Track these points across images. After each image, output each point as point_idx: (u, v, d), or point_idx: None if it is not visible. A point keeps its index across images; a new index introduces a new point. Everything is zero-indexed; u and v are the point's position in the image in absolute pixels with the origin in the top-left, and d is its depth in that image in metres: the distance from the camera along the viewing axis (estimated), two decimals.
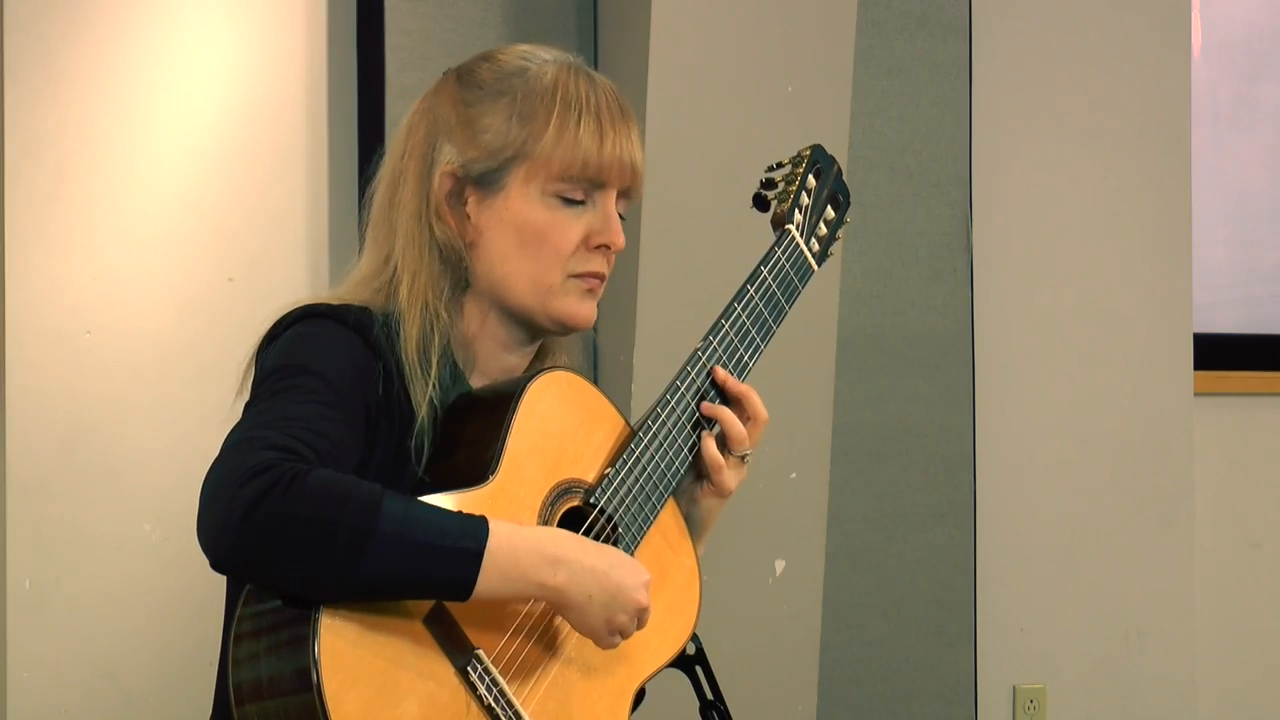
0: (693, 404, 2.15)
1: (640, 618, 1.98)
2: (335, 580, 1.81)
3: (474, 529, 1.86)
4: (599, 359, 3.60)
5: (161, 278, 3.56)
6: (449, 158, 2.09)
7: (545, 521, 2.00)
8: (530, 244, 2.08)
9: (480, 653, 1.91)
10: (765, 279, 2.22)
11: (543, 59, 2.13)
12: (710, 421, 2.15)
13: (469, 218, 2.10)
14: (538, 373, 2.06)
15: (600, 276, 2.12)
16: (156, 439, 3.52)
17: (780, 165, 2.31)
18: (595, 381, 2.14)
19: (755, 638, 3.67)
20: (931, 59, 4.04)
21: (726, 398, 2.17)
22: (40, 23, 3.49)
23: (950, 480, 4.06)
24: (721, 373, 2.16)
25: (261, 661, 1.84)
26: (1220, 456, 4.49)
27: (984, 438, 4.18)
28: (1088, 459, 4.29)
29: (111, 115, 3.53)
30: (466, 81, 2.13)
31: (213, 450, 1.88)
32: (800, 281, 2.26)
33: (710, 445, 2.14)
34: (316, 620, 1.81)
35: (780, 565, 3.72)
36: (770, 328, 2.22)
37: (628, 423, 2.13)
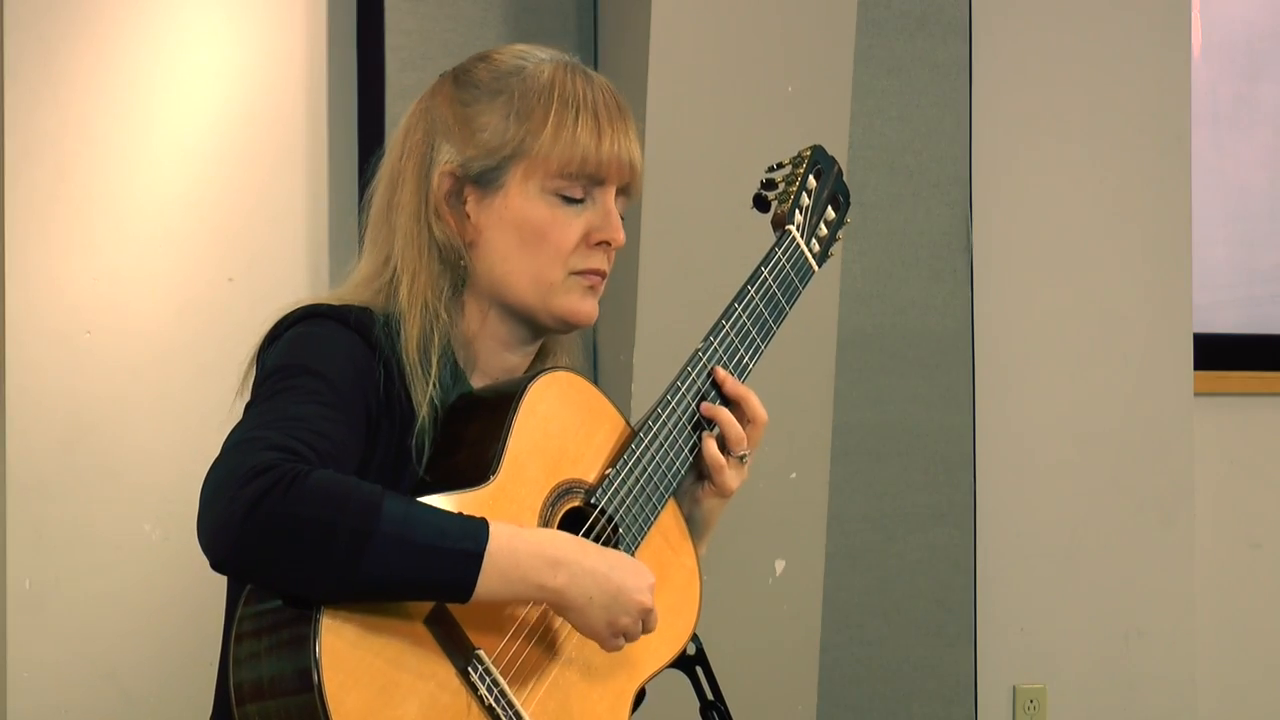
0: (693, 404, 2.14)
1: (645, 619, 1.97)
2: (335, 581, 1.81)
3: (474, 530, 1.86)
4: (599, 359, 3.60)
5: (161, 278, 3.55)
6: (447, 157, 2.09)
7: (546, 522, 2.00)
8: (531, 242, 2.08)
9: (481, 653, 1.91)
10: (765, 279, 2.22)
11: (539, 58, 2.13)
12: (711, 422, 2.15)
13: (468, 217, 2.10)
14: (539, 373, 2.06)
15: (601, 273, 2.12)
16: (156, 439, 3.52)
17: (780, 166, 2.31)
18: (595, 381, 2.14)
19: (755, 638, 3.67)
20: (931, 59, 4.03)
21: (726, 399, 2.17)
22: (40, 23, 3.49)
23: (950, 480, 4.06)
24: (721, 373, 2.16)
25: (262, 661, 1.84)
26: (1220, 456, 4.49)
27: (984, 438, 4.18)
28: (1088, 459, 4.29)
29: (111, 115, 3.53)
30: (463, 82, 2.13)
31: (213, 450, 1.88)
32: (801, 282, 2.25)
33: (711, 445, 2.14)
34: (317, 620, 1.81)
35: (780, 565, 3.72)
36: (770, 328, 2.21)
37: (628, 423, 2.13)
